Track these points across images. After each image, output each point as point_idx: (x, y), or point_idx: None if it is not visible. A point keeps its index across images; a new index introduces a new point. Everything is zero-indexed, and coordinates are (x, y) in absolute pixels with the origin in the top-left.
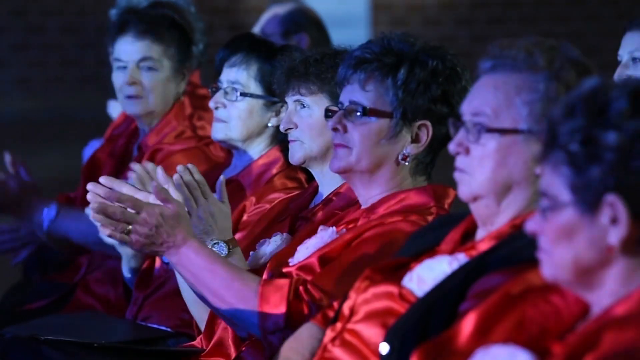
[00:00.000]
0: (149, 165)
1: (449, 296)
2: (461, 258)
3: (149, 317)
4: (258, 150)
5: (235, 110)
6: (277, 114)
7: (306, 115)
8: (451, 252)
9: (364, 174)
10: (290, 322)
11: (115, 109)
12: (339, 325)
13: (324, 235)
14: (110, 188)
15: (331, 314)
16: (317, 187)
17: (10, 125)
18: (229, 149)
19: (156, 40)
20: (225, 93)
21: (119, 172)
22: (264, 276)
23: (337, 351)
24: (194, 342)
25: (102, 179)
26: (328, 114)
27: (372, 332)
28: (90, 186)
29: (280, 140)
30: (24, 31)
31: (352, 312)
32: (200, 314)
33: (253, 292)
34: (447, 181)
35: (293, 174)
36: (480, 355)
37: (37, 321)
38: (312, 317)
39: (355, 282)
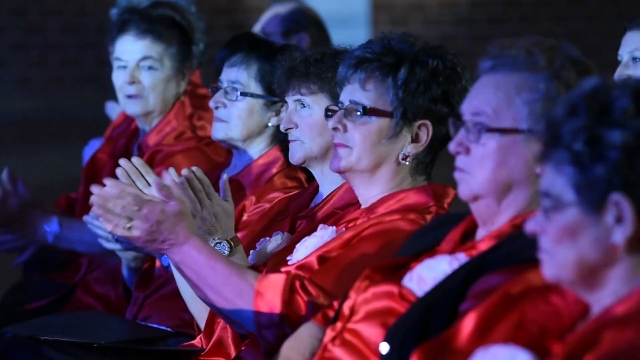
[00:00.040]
0: (137, 161)
1: (449, 296)
2: (461, 258)
3: (149, 317)
4: (258, 149)
5: (236, 110)
6: (277, 113)
7: (306, 115)
8: (451, 251)
9: (364, 174)
10: (285, 318)
11: (113, 110)
12: (339, 324)
13: (324, 235)
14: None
15: (331, 313)
16: (317, 186)
17: (10, 125)
18: (230, 149)
19: (157, 40)
20: (226, 93)
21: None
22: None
23: (337, 351)
24: (193, 342)
25: (107, 182)
26: (328, 113)
27: (372, 331)
28: (95, 189)
29: (281, 139)
30: (24, 31)
31: (352, 311)
32: (199, 312)
33: (250, 287)
34: (447, 181)
35: (293, 173)
36: (480, 355)
37: (37, 321)
38: (308, 313)
39: (353, 280)
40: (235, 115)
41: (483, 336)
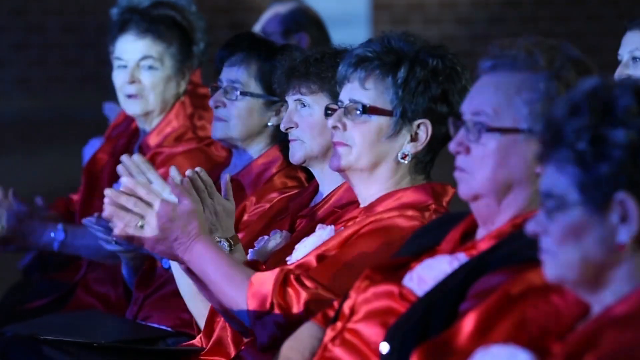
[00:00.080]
0: (138, 158)
1: (449, 296)
2: (461, 257)
3: (149, 316)
4: (258, 149)
5: (235, 109)
6: (277, 113)
7: (307, 114)
8: (451, 251)
9: (363, 172)
10: (278, 309)
11: (111, 111)
12: (339, 324)
13: (322, 234)
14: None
15: (331, 313)
16: (317, 186)
17: (10, 125)
18: (229, 149)
19: (157, 39)
20: (225, 92)
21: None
22: None
23: (337, 350)
24: (193, 341)
25: (122, 179)
26: (328, 112)
27: (372, 331)
28: (107, 192)
29: (280, 139)
30: (24, 31)
31: (353, 311)
32: (199, 311)
33: (248, 281)
34: (447, 180)
35: (293, 173)
36: (480, 355)
37: (37, 320)
38: (302, 305)
39: (350, 277)
40: (235, 114)
41: (483, 336)
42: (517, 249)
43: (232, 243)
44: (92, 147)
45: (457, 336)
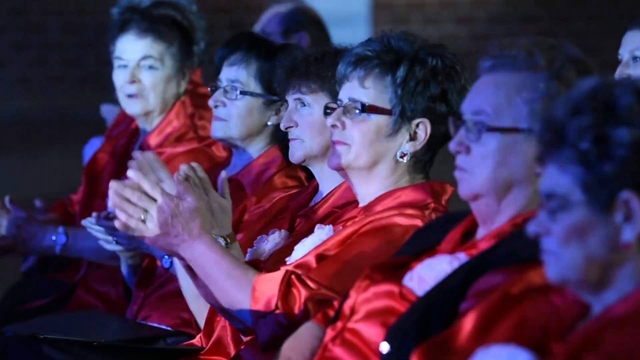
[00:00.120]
0: (150, 155)
1: (449, 295)
2: (462, 257)
3: (149, 316)
4: (257, 149)
5: (235, 109)
6: (277, 112)
7: (306, 113)
8: (452, 251)
9: (362, 171)
10: (282, 310)
11: (109, 113)
12: (339, 324)
13: (321, 234)
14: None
15: (331, 313)
16: (317, 185)
17: (10, 125)
18: (230, 148)
19: (157, 39)
20: (225, 91)
21: (121, 172)
22: None
23: (337, 350)
24: (193, 341)
25: (129, 173)
26: (327, 111)
27: (372, 331)
28: (113, 184)
29: (280, 139)
30: (24, 30)
31: (353, 311)
32: (200, 311)
33: (250, 281)
34: (446, 179)
35: (293, 172)
36: (480, 354)
37: (38, 320)
38: (304, 306)
39: (351, 276)
40: (235, 114)
41: (483, 336)
42: (517, 248)
43: (229, 241)
44: (92, 147)
45: (457, 336)
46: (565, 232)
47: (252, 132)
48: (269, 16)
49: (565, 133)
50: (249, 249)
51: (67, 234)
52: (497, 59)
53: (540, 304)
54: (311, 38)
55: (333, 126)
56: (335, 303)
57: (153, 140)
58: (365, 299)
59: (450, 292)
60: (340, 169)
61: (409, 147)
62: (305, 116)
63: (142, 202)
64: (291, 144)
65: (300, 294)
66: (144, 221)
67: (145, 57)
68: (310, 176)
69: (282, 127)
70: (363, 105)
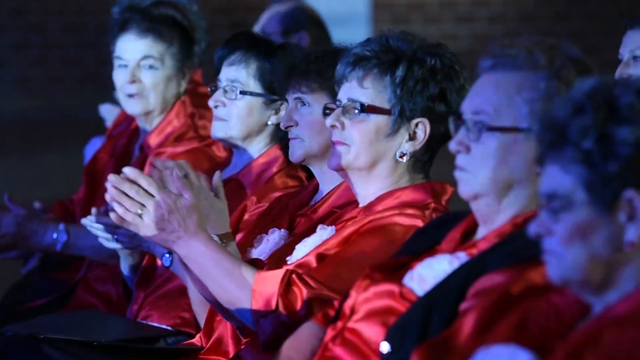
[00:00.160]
0: (169, 164)
1: (449, 295)
2: (462, 257)
3: (149, 315)
4: (258, 148)
5: (235, 109)
6: (277, 112)
7: (306, 113)
8: (452, 251)
9: (361, 171)
10: (282, 309)
11: (109, 113)
12: (339, 324)
13: (323, 235)
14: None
15: (332, 312)
16: (317, 184)
17: (10, 125)
18: (230, 148)
19: (158, 39)
20: (225, 91)
21: (121, 171)
22: None
23: (337, 350)
24: (193, 340)
25: (125, 169)
26: (326, 111)
27: (372, 331)
28: (111, 177)
29: (280, 138)
30: (24, 30)
31: (353, 311)
32: (203, 312)
33: (250, 280)
34: (446, 179)
35: (293, 172)
36: (481, 354)
37: (38, 319)
38: (304, 305)
39: (352, 275)
40: (235, 114)
41: (483, 335)
42: (518, 248)
43: (225, 241)
44: (93, 146)
45: (457, 336)
46: (568, 232)
47: (252, 132)
48: (269, 16)
49: (567, 133)
50: (248, 249)
51: (68, 232)
52: (497, 58)
53: (540, 304)
54: (311, 38)
55: (332, 126)
56: (336, 303)
57: (153, 140)
58: (365, 299)
59: (450, 292)
60: (340, 170)
61: (408, 147)
62: (305, 115)
63: (140, 197)
64: (291, 143)
65: (302, 293)
66: (140, 216)
67: (145, 57)
68: (311, 176)
69: (282, 126)
70: (362, 105)
